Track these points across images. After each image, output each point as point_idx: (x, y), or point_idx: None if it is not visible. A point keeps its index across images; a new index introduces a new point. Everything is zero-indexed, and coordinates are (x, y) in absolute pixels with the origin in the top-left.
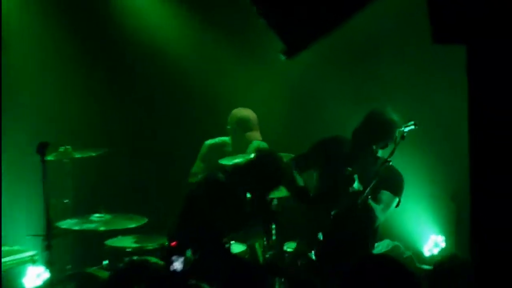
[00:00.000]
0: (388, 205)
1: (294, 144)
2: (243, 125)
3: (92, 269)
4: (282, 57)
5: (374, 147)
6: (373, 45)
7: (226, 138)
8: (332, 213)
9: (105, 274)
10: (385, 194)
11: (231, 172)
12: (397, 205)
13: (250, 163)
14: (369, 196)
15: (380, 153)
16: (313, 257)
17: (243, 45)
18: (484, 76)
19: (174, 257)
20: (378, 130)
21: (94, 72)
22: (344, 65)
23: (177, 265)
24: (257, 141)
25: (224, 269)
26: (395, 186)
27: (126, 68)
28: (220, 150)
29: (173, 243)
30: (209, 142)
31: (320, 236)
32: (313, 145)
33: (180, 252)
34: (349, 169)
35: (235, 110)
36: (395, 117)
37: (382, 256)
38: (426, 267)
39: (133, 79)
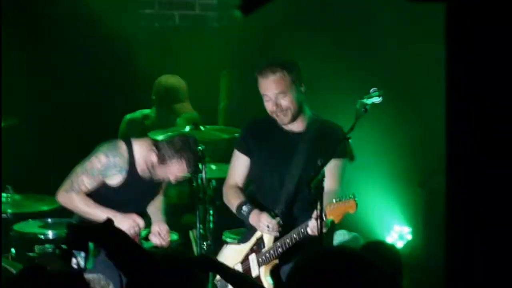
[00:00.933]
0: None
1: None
2: (171, 95)
3: None
4: (238, 14)
5: None
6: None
7: (147, 111)
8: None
9: (12, 265)
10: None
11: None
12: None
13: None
14: (324, 178)
15: None
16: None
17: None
18: (464, 43)
19: (74, 251)
20: None
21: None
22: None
23: (79, 261)
24: (188, 113)
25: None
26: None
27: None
28: (140, 125)
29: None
30: (128, 116)
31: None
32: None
33: (81, 245)
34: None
35: (161, 77)
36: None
37: (339, 248)
38: None
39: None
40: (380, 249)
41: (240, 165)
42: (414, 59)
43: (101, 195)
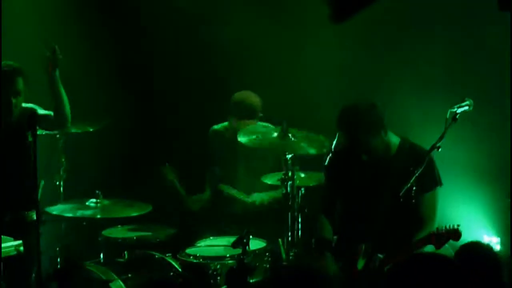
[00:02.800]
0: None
1: None
2: (236, 110)
3: (87, 264)
4: (331, 22)
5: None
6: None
7: (226, 124)
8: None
9: (101, 270)
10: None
11: None
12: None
13: None
14: (413, 188)
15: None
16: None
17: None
18: None
19: None
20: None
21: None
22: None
23: None
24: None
25: None
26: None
27: (133, 39)
28: (221, 136)
29: None
30: (213, 128)
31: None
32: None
33: None
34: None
35: (236, 93)
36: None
37: (432, 255)
38: None
39: (141, 49)
40: (477, 248)
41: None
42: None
43: None
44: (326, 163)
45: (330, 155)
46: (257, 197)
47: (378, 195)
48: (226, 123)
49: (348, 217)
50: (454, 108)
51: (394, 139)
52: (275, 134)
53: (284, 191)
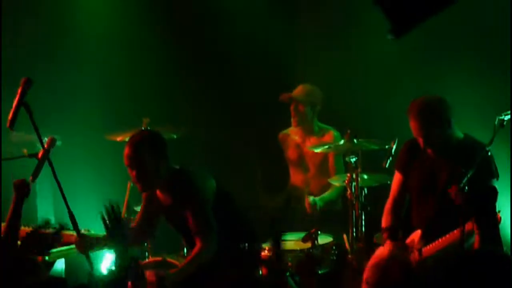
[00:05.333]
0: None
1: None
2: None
3: (171, 257)
4: (390, 37)
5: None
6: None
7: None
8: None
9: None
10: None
11: None
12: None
13: None
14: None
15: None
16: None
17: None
18: None
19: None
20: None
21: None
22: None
23: None
24: None
25: None
26: (488, 170)
27: (214, 51)
28: (289, 139)
29: None
30: (282, 132)
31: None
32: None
33: None
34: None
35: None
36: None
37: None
38: None
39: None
40: None
41: (397, 184)
42: None
43: None
44: (392, 159)
45: (401, 148)
46: (317, 201)
47: (435, 187)
48: (291, 127)
49: (417, 210)
50: (502, 116)
51: (459, 134)
52: (342, 142)
53: (348, 191)
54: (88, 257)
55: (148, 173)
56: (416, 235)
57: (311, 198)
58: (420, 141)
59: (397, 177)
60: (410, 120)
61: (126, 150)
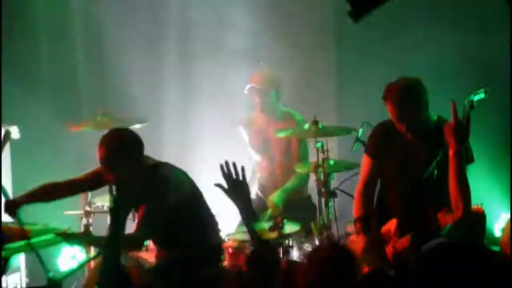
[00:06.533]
0: None
1: None
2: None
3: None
4: (350, 20)
5: None
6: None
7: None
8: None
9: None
10: None
11: None
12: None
13: None
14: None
15: None
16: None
17: None
18: None
19: None
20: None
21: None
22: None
23: None
24: None
25: None
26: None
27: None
28: (252, 125)
29: None
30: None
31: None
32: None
33: None
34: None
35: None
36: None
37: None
38: (495, 248)
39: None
40: None
41: (368, 169)
42: None
43: None
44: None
45: (372, 132)
46: (277, 200)
47: (412, 170)
48: (253, 112)
49: (388, 195)
50: (470, 97)
51: (433, 116)
52: (307, 126)
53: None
54: (38, 256)
55: (126, 175)
56: (391, 224)
57: (272, 197)
58: (399, 125)
59: (367, 162)
60: (388, 104)
61: (100, 154)
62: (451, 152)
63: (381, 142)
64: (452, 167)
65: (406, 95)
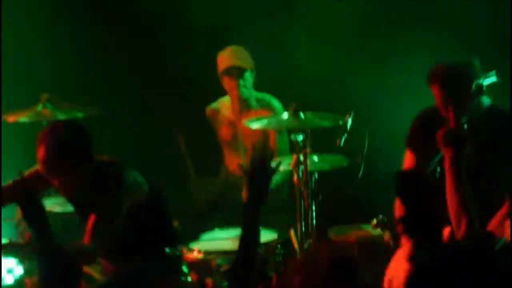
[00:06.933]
0: None
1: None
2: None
3: None
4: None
5: None
6: None
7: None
8: None
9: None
10: None
11: None
12: None
13: None
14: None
15: None
16: None
17: None
18: None
19: None
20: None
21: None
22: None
23: None
24: None
25: None
26: None
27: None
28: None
29: None
30: (210, 106)
31: None
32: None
33: None
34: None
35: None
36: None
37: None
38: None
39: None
40: None
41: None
42: None
43: None
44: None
45: (413, 122)
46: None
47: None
48: (222, 98)
49: None
50: (480, 80)
51: (486, 101)
52: (286, 115)
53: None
54: None
55: (73, 178)
56: (444, 232)
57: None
58: (445, 112)
59: (409, 157)
60: (434, 87)
61: (40, 154)
62: (446, 164)
63: (423, 134)
64: (449, 179)
65: (460, 78)
